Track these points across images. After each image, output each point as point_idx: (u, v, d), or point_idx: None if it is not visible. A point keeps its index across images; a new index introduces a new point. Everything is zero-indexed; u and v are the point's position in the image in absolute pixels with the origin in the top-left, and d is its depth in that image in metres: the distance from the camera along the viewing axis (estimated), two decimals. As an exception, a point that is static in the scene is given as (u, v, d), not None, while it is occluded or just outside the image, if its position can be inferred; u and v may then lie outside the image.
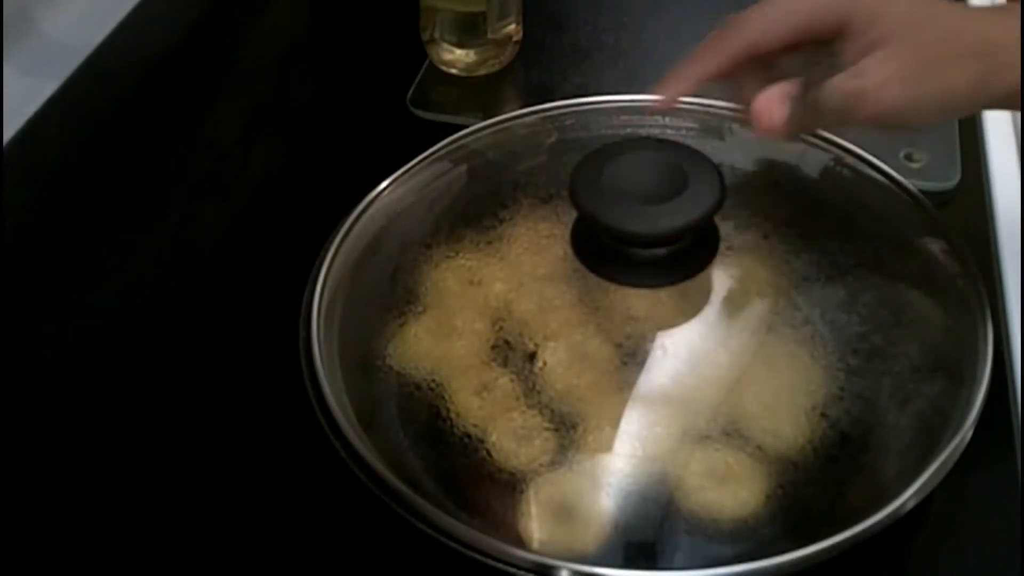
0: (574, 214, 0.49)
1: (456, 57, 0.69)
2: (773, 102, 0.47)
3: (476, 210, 0.54)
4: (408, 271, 0.52)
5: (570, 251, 0.49)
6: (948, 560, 0.47)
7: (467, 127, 0.58)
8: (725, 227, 0.50)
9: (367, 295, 0.51)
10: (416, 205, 0.55)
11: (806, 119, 0.47)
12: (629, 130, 0.58)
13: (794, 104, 0.47)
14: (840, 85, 0.45)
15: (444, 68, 0.70)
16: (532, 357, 0.49)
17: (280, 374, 0.53)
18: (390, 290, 0.52)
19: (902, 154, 0.63)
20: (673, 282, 0.49)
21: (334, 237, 0.52)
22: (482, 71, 0.70)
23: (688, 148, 0.49)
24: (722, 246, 0.49)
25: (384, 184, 0.55)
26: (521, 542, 0.43)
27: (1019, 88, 0.44)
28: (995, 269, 0.56)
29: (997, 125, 0.66)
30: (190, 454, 0.50)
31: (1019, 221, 0.58)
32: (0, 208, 0.55)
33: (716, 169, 0.47)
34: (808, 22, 0.47)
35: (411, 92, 0.69)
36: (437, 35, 0.69)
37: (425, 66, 0.71)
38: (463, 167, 0.57)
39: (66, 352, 0.54)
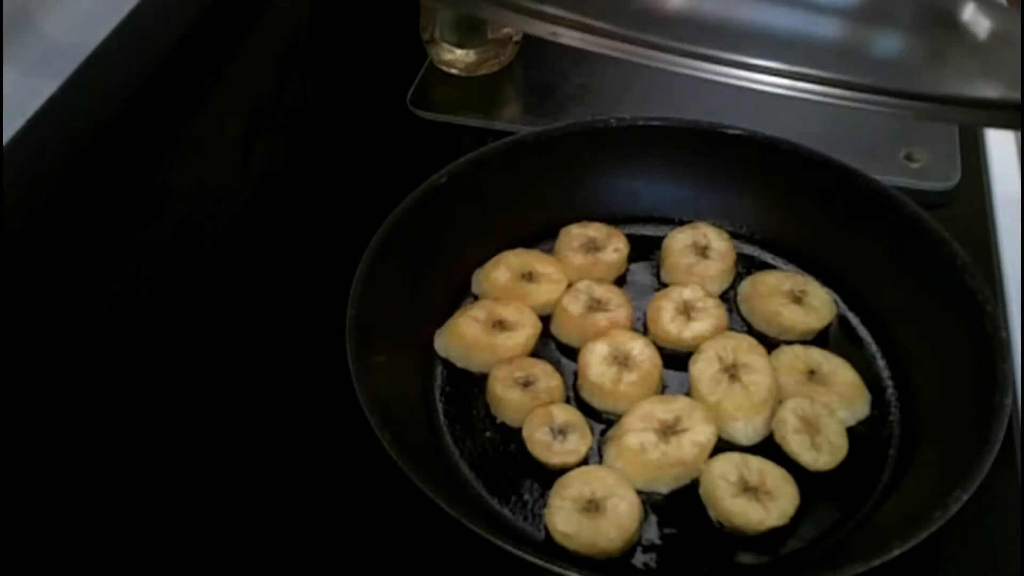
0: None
1: (456, 57, 0.69)
2: None
3: (527, 206, 0.56)
4: (454, 266, 0.54)
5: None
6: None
7: (468, 127, 0.58)
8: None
9: (410, 289, 0.52)
10: (470, 197, 0.55)
11: None
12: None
13: None
14: None
15: (444, 68, 0.70)
16: (575, 356, 0.50)
17: (276, 374, 0.53)
18: (434, 286, 0.53)
19: (902, 154, 0.63)
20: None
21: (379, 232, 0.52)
22: (482, 71, 0.70)
23: None
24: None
25: (438, 174, 0.55)
26: (549, 536, 0.45)
27: None
28: (995, 269, 0.56)
29: (997, 125, 0.66)
30: (190, 454, 0.50)
31: (1019, 221, 0.58)
32: (0, 208, 0.55)
33: None
34: None
35: (411, 92, 0.69)
36: (437, 35, 0.69)
37: (425, 66, 0.71)
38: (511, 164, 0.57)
39: (66, 352, 0.54)
